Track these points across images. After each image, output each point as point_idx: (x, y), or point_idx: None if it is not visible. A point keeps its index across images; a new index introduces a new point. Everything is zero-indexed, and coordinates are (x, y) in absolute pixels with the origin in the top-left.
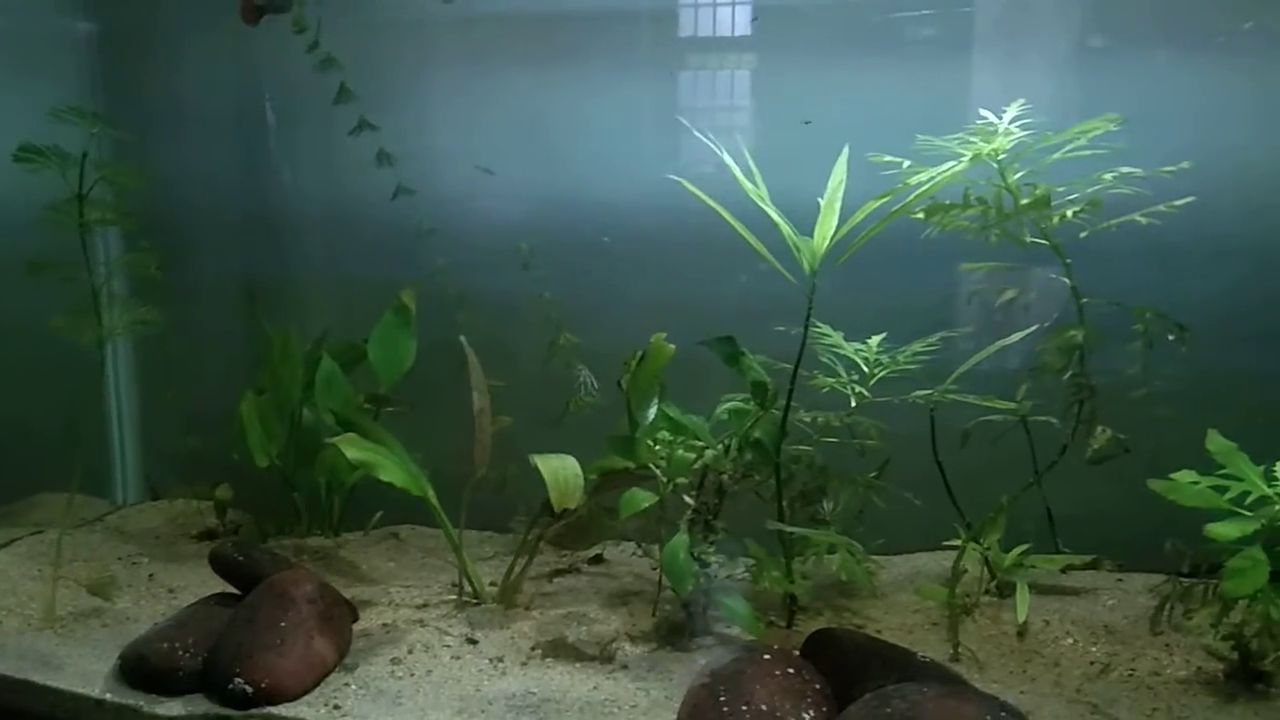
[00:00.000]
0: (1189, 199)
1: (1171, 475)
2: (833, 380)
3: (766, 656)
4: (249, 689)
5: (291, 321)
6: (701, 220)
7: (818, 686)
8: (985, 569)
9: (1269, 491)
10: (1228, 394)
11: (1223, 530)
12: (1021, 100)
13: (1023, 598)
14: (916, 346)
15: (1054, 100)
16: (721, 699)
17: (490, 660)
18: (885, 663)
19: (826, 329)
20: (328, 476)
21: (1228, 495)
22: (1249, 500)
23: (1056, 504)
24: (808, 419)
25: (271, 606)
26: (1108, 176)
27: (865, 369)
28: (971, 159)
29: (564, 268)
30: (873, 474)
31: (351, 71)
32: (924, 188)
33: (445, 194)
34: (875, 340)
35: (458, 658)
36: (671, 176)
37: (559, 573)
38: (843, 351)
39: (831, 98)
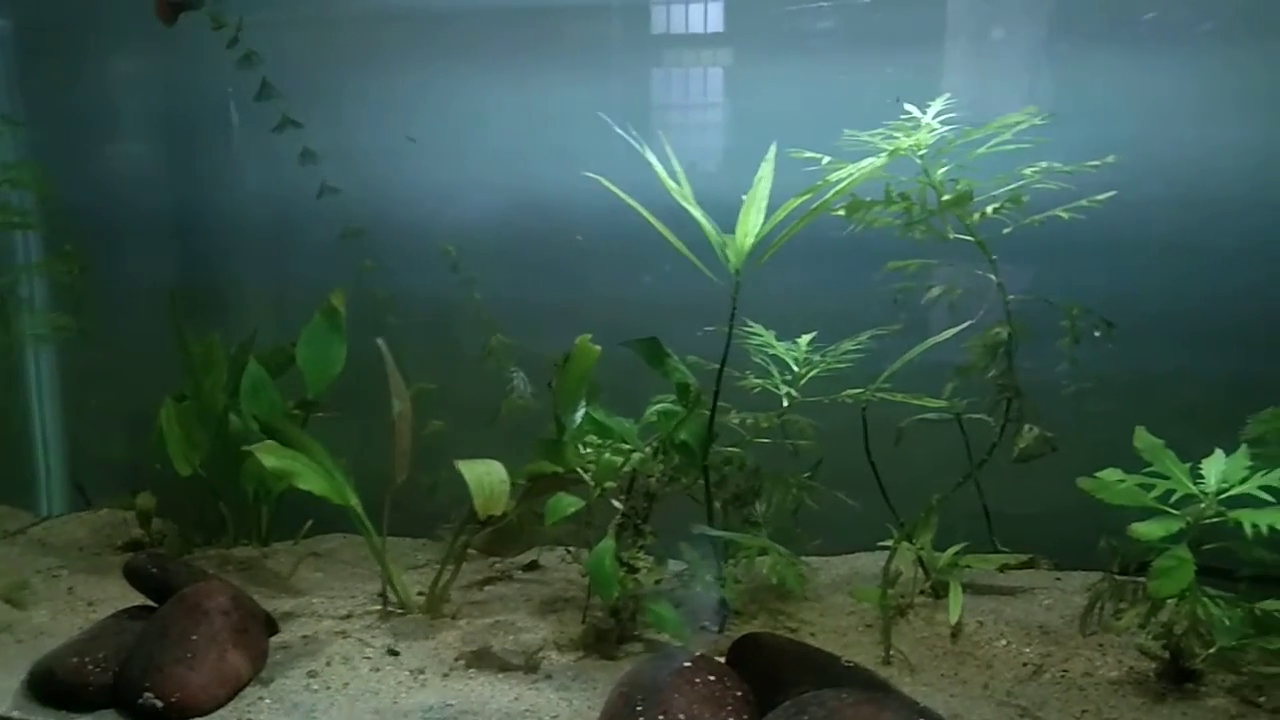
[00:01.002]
0: (1110, 193)
1: (1097, 473)
2: (761, 381)
3: (687, 664)
4: (159, 703)
5: (220, 326)
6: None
7: (739, 693)
8: (920, 570)
9: (1194, 490)
10: (1171, 391)
11: (1147, 529)
12: (947, 95)
13: (956, 598)
14: (847, 345)
15: (1004, 95)
16: (638, 708)
17: (411, 672)
18: (810, 668)
19: (759, 328)
20: (255, 485)
21: (1153, 494)
22: (1174, 499)
23: (998, 503)
24: (737, 420)
25: (183, 619)
26: (1028, 171)
27: (795, 368)
28: (890, 154)
29: (504, 267)
30: (806, 474)
31: (279, 68)
32: (842, 184)
33: (375, 193)
34: (805, 339)
35: (377, 669)
36: (589, 175)
37: (491, 580)
38: (773, 351)
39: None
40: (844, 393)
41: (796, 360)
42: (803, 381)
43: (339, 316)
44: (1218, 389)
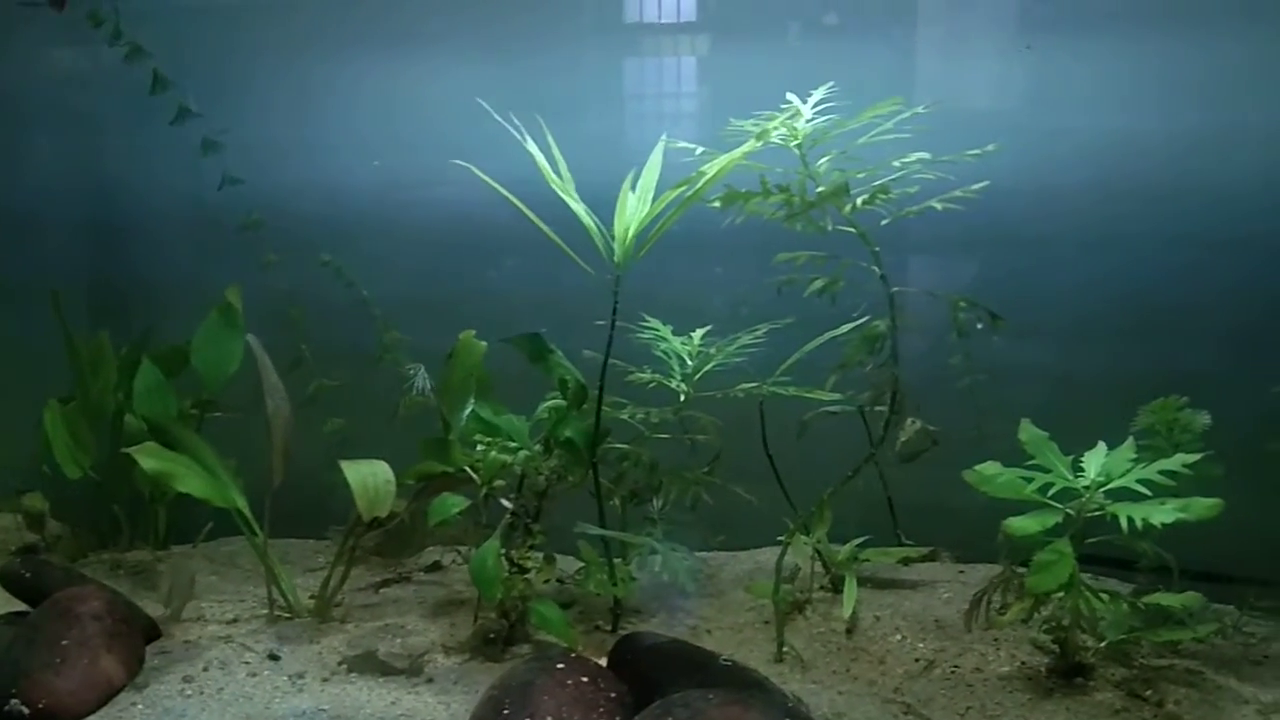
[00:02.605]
0: (984, 183)
1: (976, 466)
2: (648, 375)
3: (560, 665)
4: (25, 710)
5: (124, 323)
6: (550, 214)
7: (613, 695)
8: (819, 564)
9: (1074, 483)
10: (1095, 383)
11: (1021, 524)
12: (830, 83)
13: (850, 593)
14: (744, 339)
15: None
16: (505, 711)
17: (290, 677)
18: (687, 667)
19: (655, 323)
20: (150, 487)
21: (1032, 486)
22: (1054, 491)
23: (907, 496)
24: (627, 415)
25: (54, 624)
26: (896, 163)
27: (689, 362)
28: (757, 138)
29: (408, 263)
30: (705, 470)
31: (174, 61)
32: (710, 175)
33: (278, 186)
34: (699, 333)
35: (255, 674)
36: (458, 162)
37: (388, 583)
38: (668, 345)
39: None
40: (738, 387)
41: (690, 354)
42: (697, 376)
43: (236, 314)
44: (1143, 379)
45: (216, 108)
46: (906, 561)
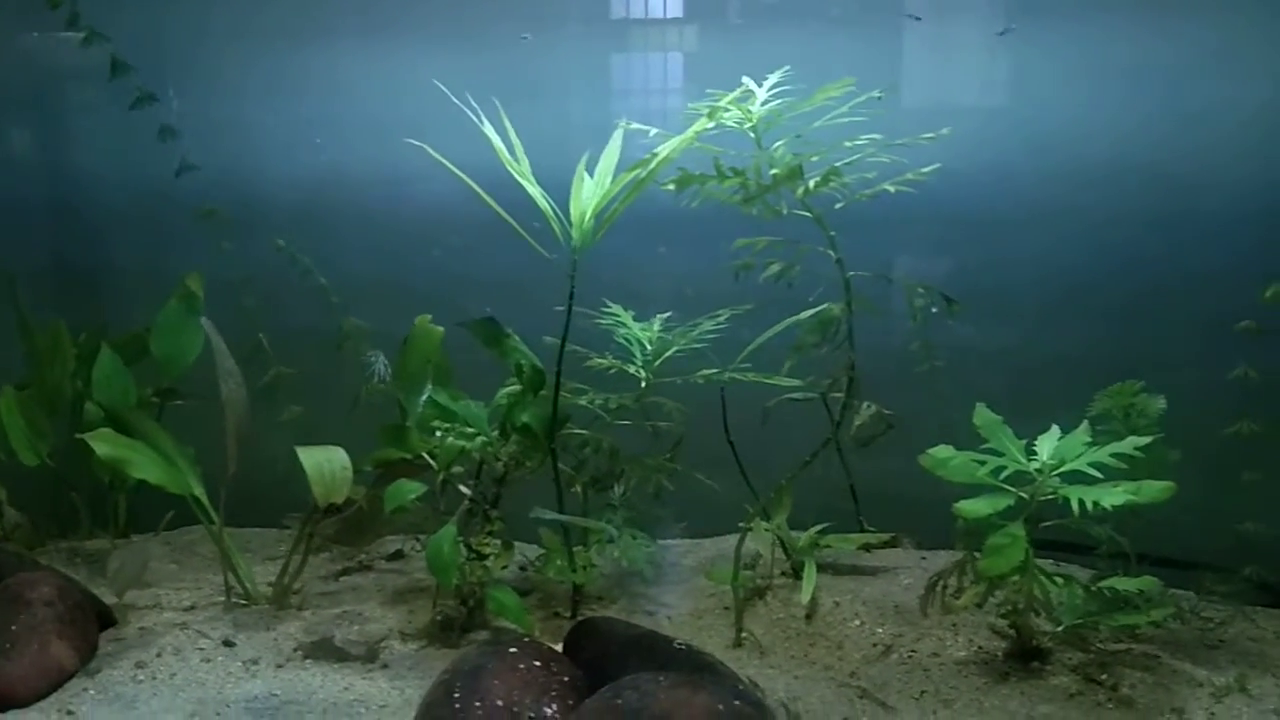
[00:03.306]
0: (935, 166)
1: (930, 450)
2: (605, 361)
3: (512, 650)
4: None
5: (74, 311)
6: (510, 197)
7: (566, 679)
8: (781, 550)
9: (1028, 466)
10: (1056, 366)
11: (972, 507)
12: (786, 67)
13: (809, 579)
14: (707, 325)
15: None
16: (455, 695)
17: (244, 663)
18: (642, 652)
19: (617, 308)
20: (109, 475)
21: (984, 470)
22: (1005, 475)
23: (873, 482)
24: (586, 401)
25: (4, 610)
26: (848, 144)
27: (648, 347)
28: (704, 123)
29: (378, 250)
30: (666, 456)
31: (139, 47)
32: (662, 156)
33: (245, 173)
34: (659, 319)
35: (208, 660)
36: (412, 141)
37: (348, 570)
38: (628, 331)
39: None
40: (699, 373)
41: (650, 340)
42: (658, 362)
43: (196, 300)
44: (1108, 363)
45: (183, 93)
46: (868, 548)
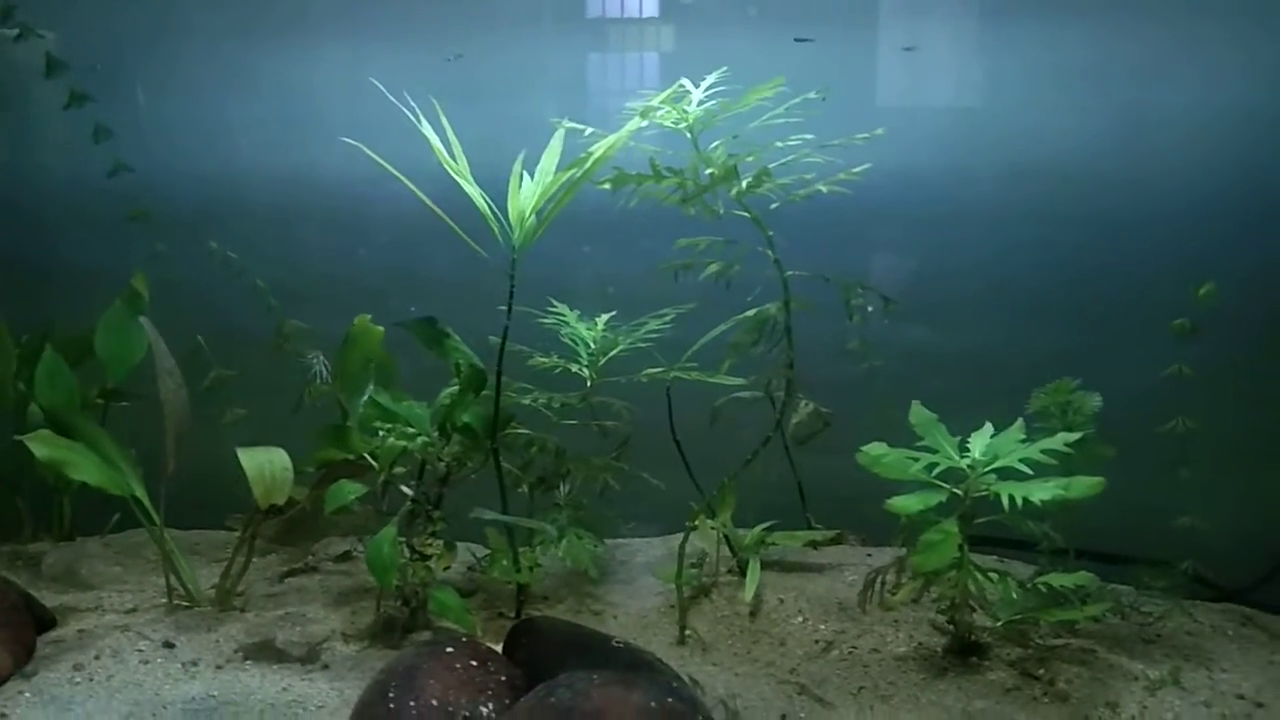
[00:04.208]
0: (865, 165)
1: (864, 447)
2: (550, 360)
3: (449, 650)
4: None
5: (15, 311)
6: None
7: (503, 678)
8: (728, 548)
9: (960, 463)
10: (1006, 365)
11: (904, 503)
12: (724, 68)
13: (753, 576)
14: (653, 325)
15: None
16: (390, 694)
17: (184, 664)
18: (580, 650)
19: (564, 308)
20: (53, 477)
21: (916, 466)
22: (939, 471)
23: (822, 480)
24: (529, 400)
25: None
26: (779, 144)
27: (591, 346)
28: (638, 121)
29: (330, 251)
30: (613, 455)
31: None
32: (598, 155)
33: (194, 174)
34: (603, 318)
35: (147, 662)
36: (347, 140)
37: (294, 572)
38: (571, 330)
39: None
40: (644, 372)
41: (594, 339)
42: (603, 361)
43: (141, 301)
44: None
45: (124, 92)
46: (814, 545)
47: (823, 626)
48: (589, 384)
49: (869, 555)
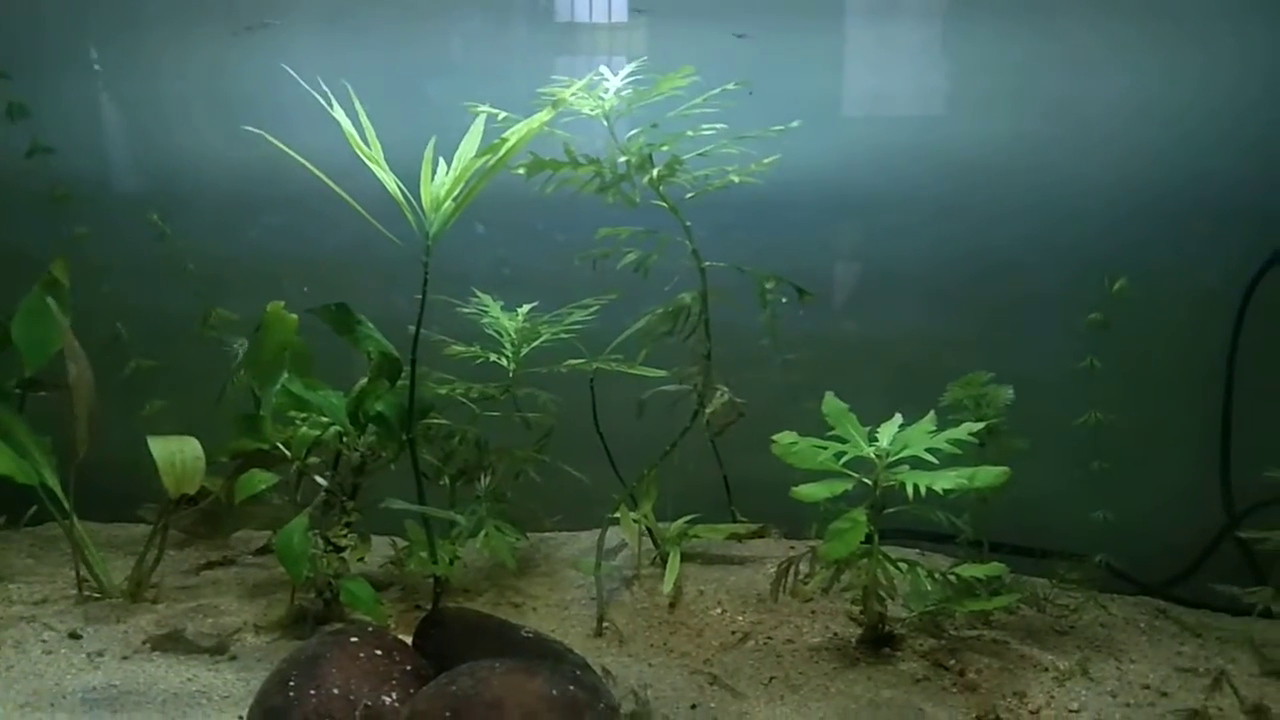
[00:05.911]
0: (775, 157)
1: (775, 436)
2: (464, 349)
3: (353, 639)
4: None
5: None
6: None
7: (409, 668)
8: (651, 540)
9: (869, 453)
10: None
11: (809, 491)
12: (643, 58)
13: (672, 569)
14: (579, 315)
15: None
16: (290, 683)
17: (89, 655)
18: (489, 640)
19: (487, 299)
20: None
21: (825, 455)
22: (847, 460)
23: (747, 472)
24: (447, 391)
25: None
26: (689, 133)
27: (513, 336)
28: (551, 110)
29: (254, 240)
30: (535, 448)
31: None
32: (512, 142)
33: (117, 159)
34: (524, 309)
35: (50, 653)
36: (251, 129)
37: (211, 564)
38: (492, 320)
39: None
40: (565, 363)
41: (515, 329)
42: (523, 353)
43: (61, 289)
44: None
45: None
46: (737, 538)
47: (740, 618)
48: (510, 375)
49: (791, 548)
